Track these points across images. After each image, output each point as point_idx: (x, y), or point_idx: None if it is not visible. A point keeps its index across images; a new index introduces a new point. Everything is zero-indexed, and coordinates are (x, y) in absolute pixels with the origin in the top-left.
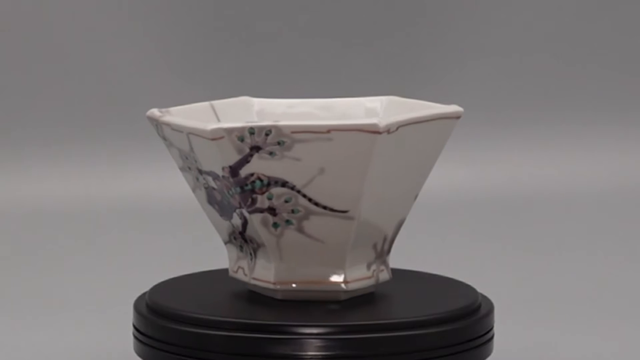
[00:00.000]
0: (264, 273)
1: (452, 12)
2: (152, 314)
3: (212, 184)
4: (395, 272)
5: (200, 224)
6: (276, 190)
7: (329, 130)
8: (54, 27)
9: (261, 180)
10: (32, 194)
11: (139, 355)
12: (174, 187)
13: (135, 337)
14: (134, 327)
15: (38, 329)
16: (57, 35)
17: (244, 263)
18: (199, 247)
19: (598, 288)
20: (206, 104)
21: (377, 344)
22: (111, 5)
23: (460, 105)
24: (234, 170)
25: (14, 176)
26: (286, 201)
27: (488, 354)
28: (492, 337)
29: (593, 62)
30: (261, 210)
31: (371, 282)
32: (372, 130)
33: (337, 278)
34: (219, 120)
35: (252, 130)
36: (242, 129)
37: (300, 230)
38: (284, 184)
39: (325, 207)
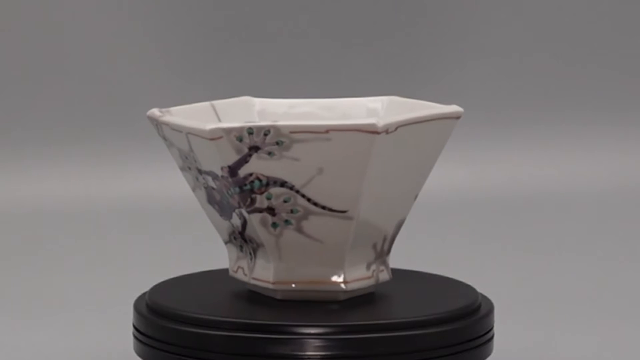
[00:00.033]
0: (263, 273)
1: (452, 12)
2: (152, 314)
3: (212, 183)
4: (395, 272)
5: (200, 224)
6: (275, 190)
7: (328, 130)
8: (54, 27)
9: (260, 180)
10: (32, 194)
11: (139, 355)
12: (174, 187)
13: (135, 337)
14: (134, 327)
15: (38, 329)
16: (57, 35)
17: (244, 263)
18: (199, 247)
19: (598, 288)
20: (207, 104)
21: (377, 344)
22: (111, 5)
23: (460, 105)
24: (232, 170)
25: (14, 176)
26: (285, 201)
27: (488, 354)
28: (492, 337)
29: (593, 62)
30: (260, 210)
31: (371, 282)
32: (370, 131)
33: (336, 278)
34: (219, 120)
35: (250, 130)
36: (240, 129)
37: (299, 230)
38: (282, 184)
39: (324, 207)
